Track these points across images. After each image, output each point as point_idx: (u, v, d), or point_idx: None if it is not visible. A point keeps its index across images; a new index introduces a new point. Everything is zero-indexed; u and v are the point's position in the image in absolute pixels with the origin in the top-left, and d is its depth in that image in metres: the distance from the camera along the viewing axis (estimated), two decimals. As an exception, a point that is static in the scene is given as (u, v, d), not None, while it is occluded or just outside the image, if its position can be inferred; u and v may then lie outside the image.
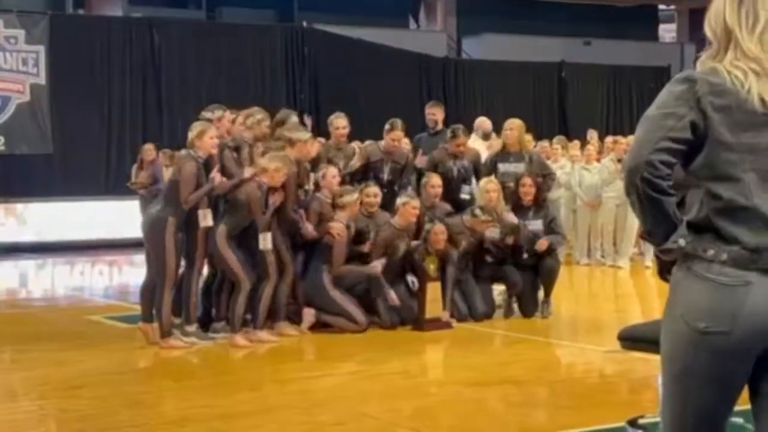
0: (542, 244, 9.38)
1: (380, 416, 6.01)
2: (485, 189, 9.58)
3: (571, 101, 23.18)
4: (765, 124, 2.67)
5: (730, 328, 2.64)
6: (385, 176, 9.68)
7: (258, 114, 8.89)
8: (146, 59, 18.40)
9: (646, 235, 2.83)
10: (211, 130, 8.13)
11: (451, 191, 9.87)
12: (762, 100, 2.66)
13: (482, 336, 8.84)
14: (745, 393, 2.81)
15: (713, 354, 2.67)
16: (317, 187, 9.01)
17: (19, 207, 17.09)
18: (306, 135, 8.94)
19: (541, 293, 9.56)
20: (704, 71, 2.72)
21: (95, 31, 18.22)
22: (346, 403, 6.39)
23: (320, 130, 11.44)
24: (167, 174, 12.16)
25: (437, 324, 8.86)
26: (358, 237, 8.98)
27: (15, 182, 16.99)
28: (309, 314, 8.73)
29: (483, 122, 13.50)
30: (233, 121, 8.73)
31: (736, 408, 2.80)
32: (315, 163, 9.23)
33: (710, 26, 2.75)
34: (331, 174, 8.99)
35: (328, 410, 6.15)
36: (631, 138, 11.63)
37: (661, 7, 27.75)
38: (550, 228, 9.59)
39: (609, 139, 15.06)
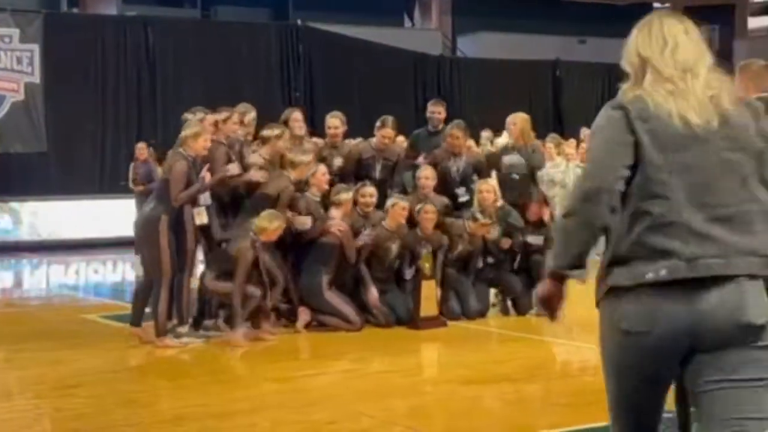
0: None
1: (375, 414, 6.01)
2: (480, 189, 9.62)
3: (565, 99, 23.19)
4: (689, 143, 2.84)
5: (650, 327, 2.81)
6: (377, 174, 9.60)
7: (251, 111, 8.93)
8: (141, 58, 18.39)
9: (553, 256, 3.02)
10: (206, 134, 8.16)
11: (449, 190, 9.84)
12: (683, 119, 2.83)
13: (477, 334, 8.85)
14: None
15: (637, 352, 2.85)
16: (306, 184, 8.97)
17: (14, 205, 17.08)
18: (308, 158, 8.89)
19: (535, 292, 9.59)
20: (629, 99, 2.90)
21: (90, 29, 18.20)
22: (340, 401, 6.40)
23: (314, 128, 11.39)
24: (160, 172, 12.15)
25: (432, 322, 8.86)
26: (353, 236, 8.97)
27: (9, 181, 16.97)
28: (304, 313, 8.73)
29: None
30: (226, 120, 8.73)
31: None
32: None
33: (628, 61, 2.99)
34: (321, 172, 8.95)
35: (322, 409, 6.15)
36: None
37: (656, 5, 27.75)
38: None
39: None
